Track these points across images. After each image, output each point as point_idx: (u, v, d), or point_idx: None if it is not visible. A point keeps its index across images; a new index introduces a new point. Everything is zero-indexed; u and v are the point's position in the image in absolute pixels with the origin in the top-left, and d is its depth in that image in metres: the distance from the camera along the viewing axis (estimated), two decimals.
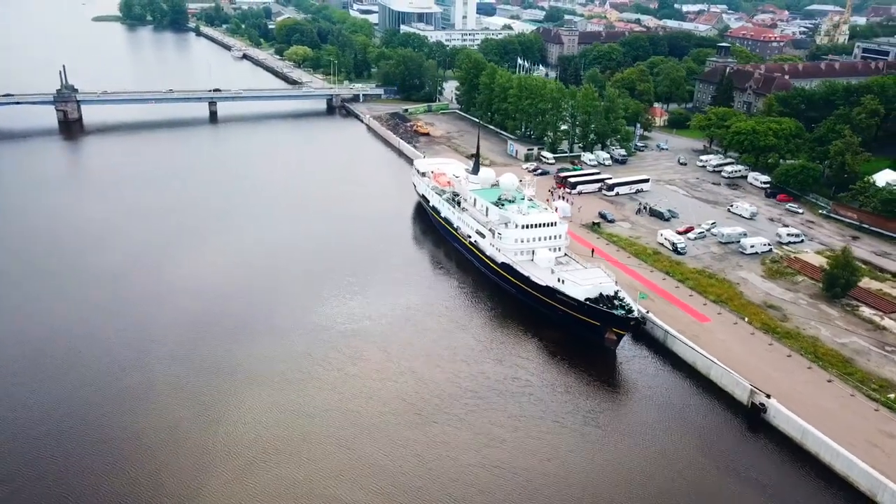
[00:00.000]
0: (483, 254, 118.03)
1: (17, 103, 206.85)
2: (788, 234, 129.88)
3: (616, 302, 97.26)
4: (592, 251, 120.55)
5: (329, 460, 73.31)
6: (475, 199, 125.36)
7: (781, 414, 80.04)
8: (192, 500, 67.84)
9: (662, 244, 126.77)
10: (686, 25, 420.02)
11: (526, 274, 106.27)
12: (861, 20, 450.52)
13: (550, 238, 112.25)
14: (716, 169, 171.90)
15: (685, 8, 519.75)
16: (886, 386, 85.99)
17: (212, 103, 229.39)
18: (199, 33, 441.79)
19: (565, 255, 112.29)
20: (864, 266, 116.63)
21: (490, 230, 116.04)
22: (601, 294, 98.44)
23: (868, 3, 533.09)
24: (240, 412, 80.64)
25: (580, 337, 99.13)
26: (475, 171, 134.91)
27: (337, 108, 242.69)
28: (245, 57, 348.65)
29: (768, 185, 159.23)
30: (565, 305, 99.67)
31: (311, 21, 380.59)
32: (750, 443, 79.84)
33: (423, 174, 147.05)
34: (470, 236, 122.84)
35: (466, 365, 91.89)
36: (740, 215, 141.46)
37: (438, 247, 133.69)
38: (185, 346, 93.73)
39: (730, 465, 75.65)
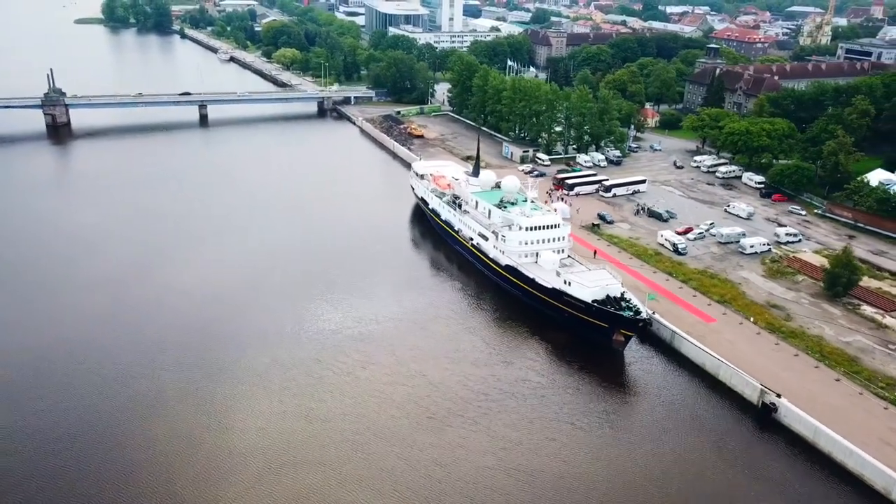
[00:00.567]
0: (486, 256, 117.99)
1: (4, 107, 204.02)
2: (787, 234, 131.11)
3: (623, 303, 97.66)
4: (595, 253, 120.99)
5: (347, 466, 72.83)
6: (477, 202, 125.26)
7: (793, 413, 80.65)
8: None
9: (663, 245, 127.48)
10: (671, 27, 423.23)
11: (531, 276, 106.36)
12: (842, 21, 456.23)
13: (554, 240, 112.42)
14: (710, 169, 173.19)
15: (669, 9, 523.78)
16: (893, 384, 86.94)
17: (202, 106, 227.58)
18: (184, 36, 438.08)
19: (568, 256, 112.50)
20: (863, 265, 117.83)
21: (493, 233, 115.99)
22: (608, 296, 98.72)
23: (848, 5, 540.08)
24: (253, 418, 79.97)
25: (587, 339, 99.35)
26: (475, 173, 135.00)
27: (328, 111, 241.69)
28: (232, 59, 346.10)
29: (763, 186, 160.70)
30: (572, 307, 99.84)
31: (297, 23, 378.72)
32: (763, 443, 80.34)
33: (422, 176, 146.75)
34: (472, 239, 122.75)
35: (476, 368, 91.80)
36: (737, 215, 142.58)
37: (438, 249, 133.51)
38: (191, 352, 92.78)
39: (745, 465, 76.08)
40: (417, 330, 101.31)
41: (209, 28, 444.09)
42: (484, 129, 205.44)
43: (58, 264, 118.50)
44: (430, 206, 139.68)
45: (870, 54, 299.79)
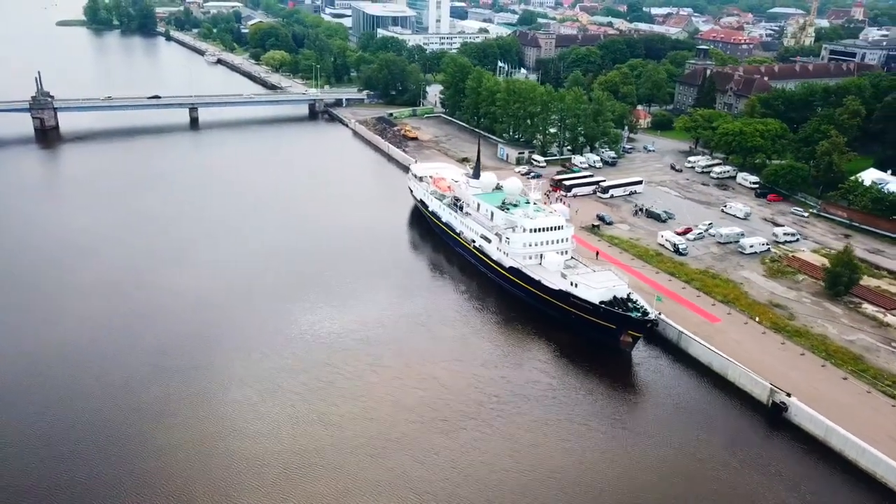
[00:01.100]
0: (489, 258, 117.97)
1: None
2: (785, 234, 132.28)
3: (630, 304, 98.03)
4: (597, 254, 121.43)
5: (364, 471, 72.38)
6: (479, 204, 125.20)
7: (803, 412, 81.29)
8: None
9: (663, 245, 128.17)
10: (657, 28, 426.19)
11: (537, 278, 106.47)
12: (824, 23, 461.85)
13: (558, 241, 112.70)
14: (704, 170, 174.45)
15: (653, 11, 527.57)
16: None
17: (192, 109, 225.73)
18: (169, 38, 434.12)
19: (572, 258, 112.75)
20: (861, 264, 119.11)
21: (496, 234, 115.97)
22: (615, 297, 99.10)
23: (828, 6, 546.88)
24: (265, 424, 79.26)
25: (594, 340, 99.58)
26: (476, 175, 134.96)
27: (320, 113, 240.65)
28: (220, 62, 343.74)
29: (758, 186, 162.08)
30: (579, 309, 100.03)
31: (285, 25, 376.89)
32: (775, 442, 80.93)
33: (421, 179, 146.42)
34: (474, 241, 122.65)
35: (486, 370, 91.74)
36: (734, 215, 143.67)
37: (438, 251, 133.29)
38: (195, 357, 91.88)
39: (759, 464, 76.52)
40: (424, 332, 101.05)
41: (195, 30, 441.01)
42: (477, 130, 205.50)
43: (51, 268, 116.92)
44: (430, 209, 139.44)
45: (854, 55, 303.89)
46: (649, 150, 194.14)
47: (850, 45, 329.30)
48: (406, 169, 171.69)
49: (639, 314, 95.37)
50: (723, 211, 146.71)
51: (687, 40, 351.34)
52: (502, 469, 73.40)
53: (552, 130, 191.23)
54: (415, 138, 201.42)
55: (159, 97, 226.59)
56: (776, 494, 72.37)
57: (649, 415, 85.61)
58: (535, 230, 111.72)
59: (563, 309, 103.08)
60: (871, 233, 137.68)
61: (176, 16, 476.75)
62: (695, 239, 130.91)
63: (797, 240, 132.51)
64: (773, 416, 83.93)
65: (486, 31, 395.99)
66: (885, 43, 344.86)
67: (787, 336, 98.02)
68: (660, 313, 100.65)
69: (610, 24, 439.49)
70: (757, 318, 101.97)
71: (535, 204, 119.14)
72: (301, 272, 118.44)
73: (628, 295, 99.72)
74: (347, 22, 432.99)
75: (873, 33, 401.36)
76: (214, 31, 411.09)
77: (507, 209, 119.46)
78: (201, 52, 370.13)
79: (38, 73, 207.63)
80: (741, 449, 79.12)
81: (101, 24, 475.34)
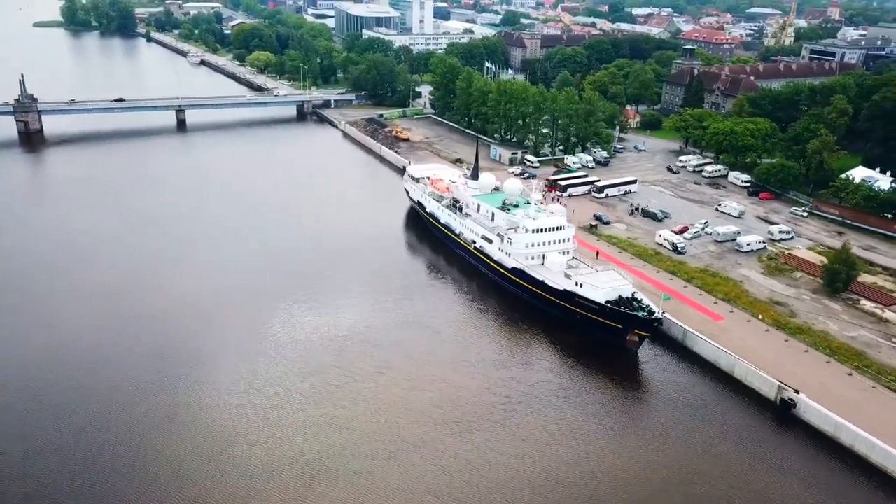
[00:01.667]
0: (490, 259, 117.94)
1: None
2: (780, 232, 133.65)
3: (635, 304, 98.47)
4: (597, 253, 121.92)
5: (381, 475, 71.94)
6: (479, 205, 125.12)
7: (812, 409, 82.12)
8: None
9: (662, 244, 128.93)
10: (639, 28, 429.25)
11: (541, 278, 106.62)
12: (802, 23, 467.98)
13: (560, 242, 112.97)
14: (696, 169, 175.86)
15: (634, 11, 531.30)
16: None
17: (179, 111, 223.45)
18: (150, 39, 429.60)
19: (573, 258, 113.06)
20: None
21: (498, 235, 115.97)
22: (620, 296, 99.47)
23: (804, 7, 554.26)
24: (277, 430, 78.51)
25: (599, 339, 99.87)
26: (474, 176, 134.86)
27: (308, 115, 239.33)
28: (203, 63, 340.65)
29: (749, 184, 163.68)
30: (585, 309, 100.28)
31: (269, 26, 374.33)
32: (785, 439, 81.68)
33: (418, 180, 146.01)
34: (475, 242, 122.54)
35: (495, 370, 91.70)
36: (729, 214, 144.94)
37: (437, 252, 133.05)
38: (201, 362, 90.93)
39: (770, 461, 77.11)
40: (430, 334, 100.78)
41: (176, 31, 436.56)
42: (468, 131, 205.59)
43: (44, 272, 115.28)
44: (428, 210, 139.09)
45: (833, 54, 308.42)
46: (640, 150, 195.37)
47: (830, 45, 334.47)
48: (399, 170, 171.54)
49: (645, 313, 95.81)
50: (717, 209, 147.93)
51: (670, 40, 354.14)
52: (519, 469, 73.34)
53: (544, 131, 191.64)
54: (406, 139, 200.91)
55: (123, 100, 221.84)
56: (790, 491, 73.01)
57: (659, 412, 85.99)
58: (538, 230, 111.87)
59: (568, 309, 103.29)
60: (863, 230, 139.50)
61: (156, 17, 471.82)
62: (692, 238, 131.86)
63: (792, 238, 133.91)
64: (782, 413, 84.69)
65: (470, 31, 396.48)
66: (863, 42, 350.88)
67: (789, 333, 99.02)
68: (664, 312, 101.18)
69: (593, 25, 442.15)
70: (759, 316, 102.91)
71: (535, 204, 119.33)
72: (301, 272, 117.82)
73: (633, 294, 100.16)
74: (330, 23, 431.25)
75: (850, 33, 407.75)
76: (196, 32, 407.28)
77: (508, 210, 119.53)
78: (184, 54, 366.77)
79: (22, 75, 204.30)
80: (752, 446, 79.70)
81: (79, 25, 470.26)
